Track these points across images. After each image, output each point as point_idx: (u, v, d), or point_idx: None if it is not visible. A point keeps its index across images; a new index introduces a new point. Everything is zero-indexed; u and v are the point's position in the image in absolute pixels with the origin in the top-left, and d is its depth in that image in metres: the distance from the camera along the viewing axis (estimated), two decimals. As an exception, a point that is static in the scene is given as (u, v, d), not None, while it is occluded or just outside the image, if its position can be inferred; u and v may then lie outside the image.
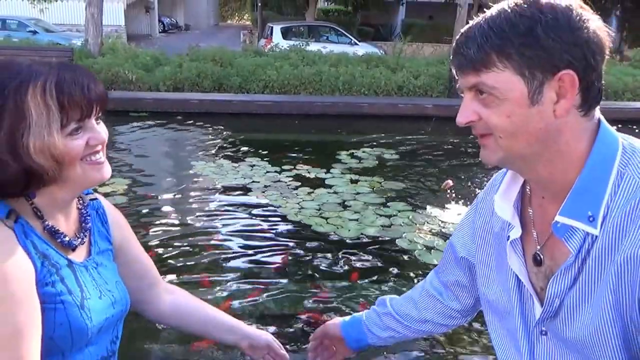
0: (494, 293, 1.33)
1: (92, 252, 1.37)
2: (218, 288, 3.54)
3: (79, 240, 1.32)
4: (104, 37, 14.55)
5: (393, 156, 7.49)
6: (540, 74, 1.02)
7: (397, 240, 4.42)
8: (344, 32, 19.81)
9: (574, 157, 1.09)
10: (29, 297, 1.12)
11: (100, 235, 1.42)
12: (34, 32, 20.81)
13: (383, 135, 8.71)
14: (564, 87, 1.02)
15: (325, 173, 6.41)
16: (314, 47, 14.88)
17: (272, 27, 18.98)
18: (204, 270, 3.82)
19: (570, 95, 1.02)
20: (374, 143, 8.12)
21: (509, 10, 1.03)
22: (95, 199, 1.46)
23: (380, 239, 4.48)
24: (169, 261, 3.90)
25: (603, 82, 1.07)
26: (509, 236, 1.22)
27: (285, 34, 18.39)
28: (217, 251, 4.15)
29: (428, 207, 5.27)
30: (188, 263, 3.90)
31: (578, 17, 1.01)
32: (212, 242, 4.34)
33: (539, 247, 1.19)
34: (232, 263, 3.96)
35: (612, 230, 1.04)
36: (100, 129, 1.24)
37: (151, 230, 4.48)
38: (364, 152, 7.55)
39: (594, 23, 1.03)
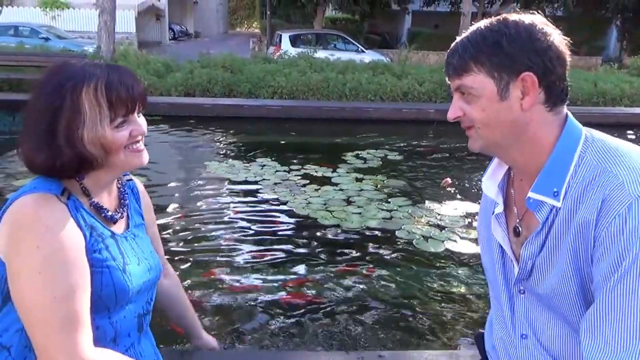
0: (486, 262, 1.56)
1: (130, 225, 1.55)
2: (228, 273, 3.86)
3: (119, 214, 1.50)
4: (116, 43, 14.89)
5: (396, 157, 7.81)
6: (506, 75, 1.25)
7: (396, 231, 4.76)
8: (351, 40, 19.97)
9: (544, 146, 1.29)
10: (80, 262, 1.30)
11: (135, 211, 1.61)
12: (46, 39, 20.95)
13: (387, 138, 9.01)
14: (527, 85, 1.24)
15: (332, 172, 6.73)
16: (321, 54, 15.03)
17: (281, 35, 19.22)
18: (216, 257, 4.15)
19: (532, 92, 1.24)
20: (379, 145, 8.42)
21: (483, 27, 1.28)
22: (131, 179, 1.67)
23: (381, 229, 4.82)
24: (182, 249, 4.25)
25: (569, 84, 1.29)
26: (494, 211, 1.46)
27: (294, 41, 18.60)
28: (228, 240, 4.49)
29: (427, 202, 5.60)
30: (201, 252, 4.24)
31: (538, 31, 1.24)
32: (224, 232, 4.68)
33: (518, 220, 1.41)
34: (242, 251, 4.29)
35: (571, 202, 1.25)
36: (141, 122, 1.43)
37: (168, 222, 4.84)
38: (368, 153, 7.85)
39: (554, 37, 1.25)
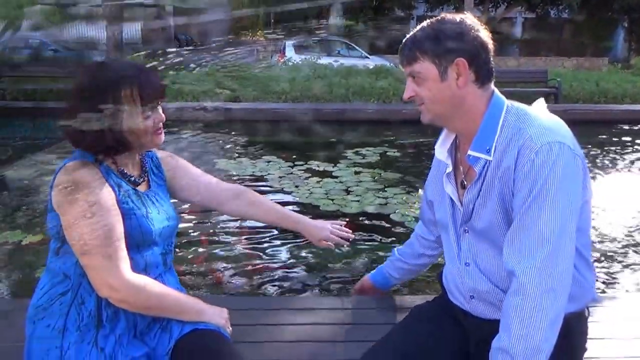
0: (440, 214, 1.93)
1: (152, 186, 1.93)
2: (238, 252, 4.31)
3: (141, 179, 1.90)
4: (123, 53, 15.29)
5: (394, 153, 8.19)
6: (444, 61, 1.61)
7: (391, 215, 5.20)
8: (355, 46, 20.27)
9: (477, 114, 1.65)
10: (114, 209, 1.69)
11: (156, 176, 1.99)
12: (55, 51, 21.31)
13: (387, 136, 9.40)
14: (460, 68, 1.60)
15: (333, 167, 7.13)
16: (325, 60, 15.28)
17: (285, 43, 19.51)
18: (227, 239, 4.59)
19: (465, 73, 1.60)
20: (378, 143, 8.76)
21: (426, 25, 1.66)
22: (150, 150, 2.03)
23: (377, 213, 5.27)
24: (192, 233, 4.68)
25: (493, 65, 1.64)
26: (445, 171, 1.83)
27: (298, 48, 18.91)
28: (237, 224, 4.91)
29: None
30: (211, 234, 4.66)
31: (466, 26, 1.62)
32: (233, 218, 5.03)
33: (463, 176, 1.78)
34: (249, 231, 4.74)
35: (498, 155, 1.61)
36: (161, 111, 1.83)
37: (181, 210, 5.19)
38: (368, 150, 8.20)
39: (479, 31, 1.63)
